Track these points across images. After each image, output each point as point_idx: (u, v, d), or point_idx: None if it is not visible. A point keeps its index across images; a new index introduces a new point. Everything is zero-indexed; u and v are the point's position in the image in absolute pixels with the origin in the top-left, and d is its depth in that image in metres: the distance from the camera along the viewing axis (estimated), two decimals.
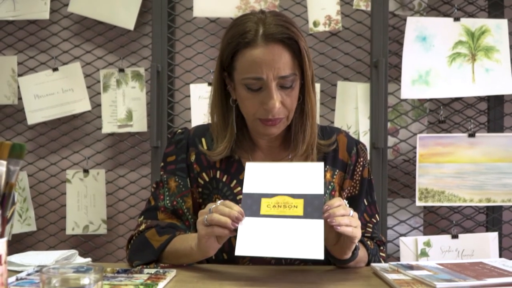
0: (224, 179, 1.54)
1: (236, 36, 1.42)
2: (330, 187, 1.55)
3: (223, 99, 1.54)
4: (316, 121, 1.56)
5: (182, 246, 1.41)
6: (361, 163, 1.59)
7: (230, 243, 1.44)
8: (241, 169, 1.52)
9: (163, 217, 1.54)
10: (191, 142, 1.59)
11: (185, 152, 1.58)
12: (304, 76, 1.46)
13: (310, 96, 1.50)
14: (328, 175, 1.55)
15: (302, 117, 1.52)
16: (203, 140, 1.59)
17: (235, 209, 1.25)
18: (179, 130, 1.63)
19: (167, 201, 1.55)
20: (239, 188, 1.51)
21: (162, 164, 1.62)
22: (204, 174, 1.56)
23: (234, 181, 1.54)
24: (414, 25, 2.44)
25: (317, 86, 2.53)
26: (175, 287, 1.19)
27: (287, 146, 1.57)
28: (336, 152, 1.58)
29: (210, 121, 1.59)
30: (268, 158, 1.57)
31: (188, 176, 1.56)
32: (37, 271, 1.31)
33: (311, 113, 1.51)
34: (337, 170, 1.57)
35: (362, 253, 1.45)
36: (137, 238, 1.51)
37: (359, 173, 1.59)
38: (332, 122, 2.53)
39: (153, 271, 1.30)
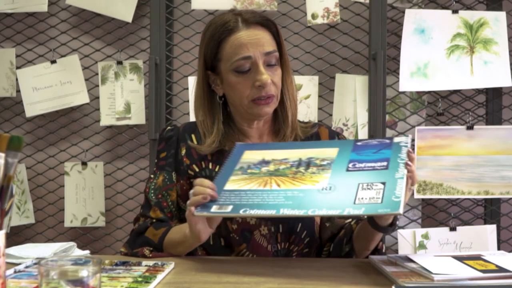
0: (216, 169, 1.57)
1: (218, 28, 1.53)
2: None
3: (208, 98, 1.61)
4: (296, 104, 1.65)
5: (178, 234, 1.45)
6: None
7: (226, 227, 1.49)
8: None
9: (155, 214, 1.58)
10: (181, 138, 1.63)
11: (175, 148, 1.62)
12: (282, 56, 1.57)
13: (289, 75, 1.61)
14: None
15: (283, 98, 1.60)
16: (193, 136, 1.63)
17: (207, 184, 1.33)
18: (169, 127, 1.68)
19: (152, 195, 1.59)
20: None
21: (156, 160, 1.66)
22: (194, 166, 1.59)
23: None
24: (413, 18, 2.43)
25: (316, 78, 2.53)
26: (174, 279, 1.19)
27: (276, 133, 1.64)
28: (318, 139, 1.66)
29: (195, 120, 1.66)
30: None
31: (174, 170, 1.61)
32: (35, 264, 1.31)
33: (291, 92, 1.61)
34: None
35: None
36: (137, 237, 1.55)
37: None
38: (330, 115, 2.53)
39: (151, 263, 1.30)
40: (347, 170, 1.30)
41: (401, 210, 1.13)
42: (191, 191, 1.34)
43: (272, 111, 1.57)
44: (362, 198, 1.19)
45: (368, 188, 1.22)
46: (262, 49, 1.49)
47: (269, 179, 1.34)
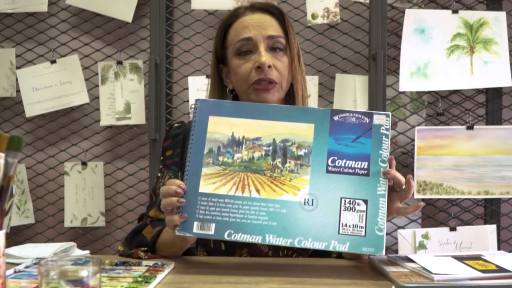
0: None
1: (227, 17, 1.56)
2: None
3: (219, 93, 1.61)
4: (306, 98, 1.61)
5: (168, 235, 1.41)
6: None
7: None
8: None
9: (154, 214, 1.55)
10: (188, 135, 1.58)
11: (181, 147, 1.59)
12: (290, 47, 1.54)
13: (301, 67, 1.58)
14: None
15: (293, 91, 1.58)
16: None
17: (177, 183, 1.26)
18: (176, 124, 1.65)
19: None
20: None
21: (161, 158, 1.63)
22: None
23: None
24: (413, 18, 2.43)
25: (316, 78, 2.53)
26: (174, 279, 1.19)
27: None
28: None
29: None
30: None
31: (180, 169, 1.58)
32: (35, 264, 1.31)
33: (301, 82, 1.57)
34: None
35: None
36: (135, 235, 1.52)
37: None
38: None
39: (151, 263, 1.30)
40: (327, 172, 1.27)
41: (383, 252, 1.20)
42: (160, 192, 1.29)
43: (274, 100, 1.52)
44: (346, 225, 1.22)
45: (351, 209, 1.23)
46: (265, 32, 1.49)
47: (245, 178, 1.29)
